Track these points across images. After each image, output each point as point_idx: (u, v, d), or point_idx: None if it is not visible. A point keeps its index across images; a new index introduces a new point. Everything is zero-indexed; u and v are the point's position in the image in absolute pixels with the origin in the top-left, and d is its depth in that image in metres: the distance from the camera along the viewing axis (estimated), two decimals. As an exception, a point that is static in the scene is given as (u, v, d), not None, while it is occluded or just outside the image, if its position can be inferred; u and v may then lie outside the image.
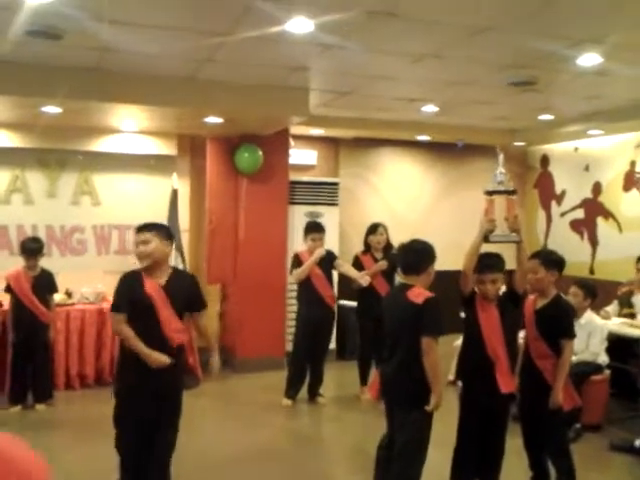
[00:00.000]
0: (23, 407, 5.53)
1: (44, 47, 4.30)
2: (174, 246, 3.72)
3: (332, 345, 6.94)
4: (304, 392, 5.93)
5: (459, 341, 3.90)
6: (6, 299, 5.71)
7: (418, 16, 3.68)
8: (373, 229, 6.07)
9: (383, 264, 5.88)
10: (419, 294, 3.30)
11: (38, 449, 0.82)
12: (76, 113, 5.71)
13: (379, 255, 6.00)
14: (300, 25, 3.78)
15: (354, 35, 4.05)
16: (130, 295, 3.42)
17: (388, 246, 6.03)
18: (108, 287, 6.66)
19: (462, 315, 3.72)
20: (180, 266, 6.66)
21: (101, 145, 6.86)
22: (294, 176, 7.38)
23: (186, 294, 3.52)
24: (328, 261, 5.79)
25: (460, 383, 3.80)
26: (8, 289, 5.56)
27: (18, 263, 5.70)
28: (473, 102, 6.30)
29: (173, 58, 4.67)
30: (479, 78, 5.23)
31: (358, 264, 5.98)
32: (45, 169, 6.81)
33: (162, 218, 6.34)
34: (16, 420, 5.31)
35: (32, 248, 5.52)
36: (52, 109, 5.44)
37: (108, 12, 3.67)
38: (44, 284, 5.57)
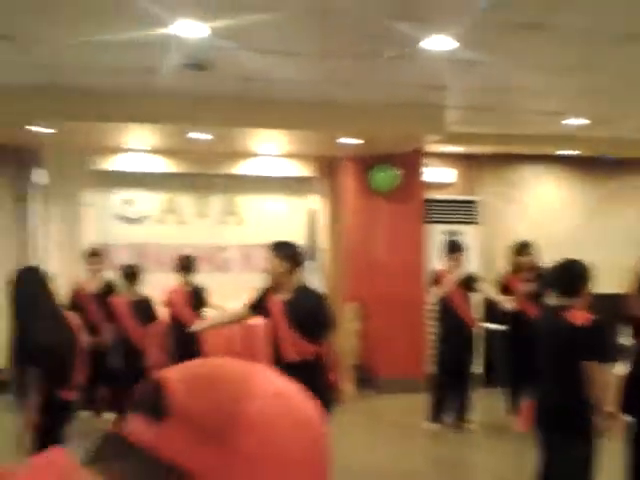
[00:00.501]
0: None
1: (195, 78, 4.62)
2: (302, 264, 3.79)
3: (479, 370, 6.67)
4: (449, 416, 5.73)
5: (617, 369, 3.59)
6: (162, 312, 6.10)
7: (567, 26, 3.49)
8: (521, 249, 5.77)
9: (532, 286, 5.56)
10: (580, 316, 3.08)
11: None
12: (223, 139, 6.07)
13: (527, 276, 5.70)
14: (441, 43, 3.74)
15: (498, 50, 3.94)
16: (261, 302, 3.69)
17: (536, 266, 5.71)
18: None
19: (623, 341, 3.42)
20: (317, 285, 6.81)
21: (244, 168, 7.22)
22: (432, 194, 7.27)
23: (305, 311, 3.58)
24: (469, 282, 5.60)
25: (628, 417, 3.46)
26: (166, 304, 5.92)
27: (171, 279, 6.11)
28: (624, 114, 5.86)
29: (313, 82, 4.81)
30: (631, 88, 4.85)
31: (504, 285, 5.72)
32: (195, 192, 7.27)
33: (301, 237, 6.51)
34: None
35: (187, 265, 5.87)
36: (202, 136, 5.83)
37: (255, 42, 3.87)
38: (197, 299, 5.90)
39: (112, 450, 0.58)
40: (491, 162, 8.00)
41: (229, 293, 7.01)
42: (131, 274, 5.34)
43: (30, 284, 3.44)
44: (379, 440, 5.38)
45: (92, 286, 5.71)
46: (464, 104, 5.57)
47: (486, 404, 6.49)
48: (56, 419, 3.38)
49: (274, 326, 3.58)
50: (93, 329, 5.46)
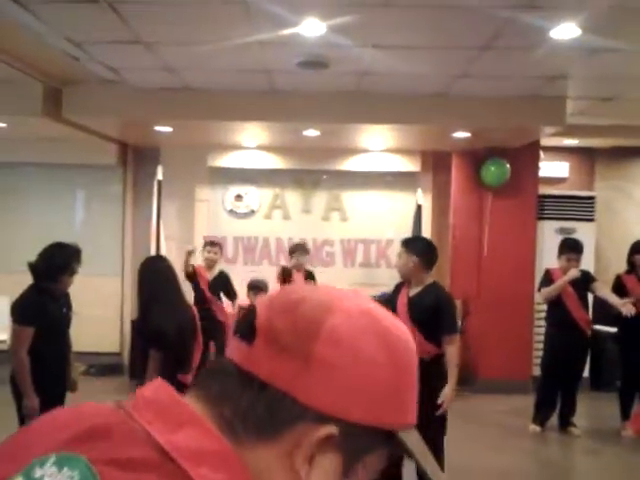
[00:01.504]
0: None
1: (311, 76, 4.70)
2: (433, 261, 3.79)
3: (585, 373, 6.39)
4: (553, 420, 5.55)
5: None
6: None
7: None
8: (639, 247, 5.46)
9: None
10: None
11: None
12: (331, 135, 6.15)
13: (645, 276, 5.39)
14: (566, 31, 3.59)
15: (625, 35, 3.72)
16: (391, 299, 3.80)
17: (656, 267, 5.37)
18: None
19: None
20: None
21: (349, 164, 7.27)
22: (543, 189, 7.01)
23: (429, 310, 3.57)
24: (583, 282, 5.33)
25: None
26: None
27: (274, 272, 6.29)
28: None
29: (427, 76, 4.77)
30: None
31: (620, 285, 5.42)
32: (300, 188, 7.41)
33: (406, 233, 6.47)
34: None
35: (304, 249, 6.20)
36: (312, 132, 5.94)
37: (370, 37, 3.88)
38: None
39: (212, 375, 0.62)
40: (607, 155, 7.59)
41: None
42: (256, 287, 5.70)
43: (155, 272, 3.65)
44: (479, 442, 5.26)
45: (209, 276, 6.00)
46: (583, 95, 5.33)
47: (592, 409, 6.22)
48: None
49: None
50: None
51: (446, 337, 3.61)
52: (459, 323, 7.32)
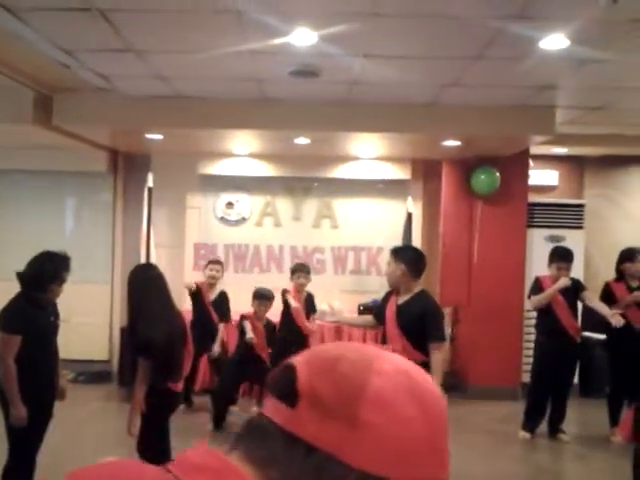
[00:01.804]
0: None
1: (301, 84, 4.72)
2: (421, 269, 3.81)
3: (574, 380, 6.42)
4: (543, 427, 5.57)
5: None
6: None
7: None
8: (629, 255, 5.50)
9: (639, 295, 5.29)
10: None
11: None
12: (322, 143, 6.17)
13: (634, 284, 5.43)
14: (555, 42, 3.63)
15: (614, 46, 3.76)
16: (380, 308, 3.86)
17: (644, 275, 5.42)
18: (344, 305, 7.05)
19: None
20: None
21: (340, 172, 7.29)
22: (533, 197, 7.06)
23: (416, 318, 3.60)
24: (573, 290, 5.37)
25: None
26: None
27: (268, 280, 6.27)
28: None
29: (417, 85, 4.79)
30: None
31: (609, 293, 5.47)
32: (291, 195, 7.42)
33: (396, 241, 6.49)
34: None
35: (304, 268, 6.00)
36: (303, 140, 5.96)
37: (362, 47, 3.91)
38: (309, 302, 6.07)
39: (254, 434, 0.64)
40: (596, 164, 7.67)
41: (323, 295, 7.11)
42: (262, 296, 5.59)
43: (145, 280, 3.64)
44: (470, 449, 5.27)
45: (211, 295, 6.04)
46: (573, 104, 5.38)
47: (581, 415, 6.26)
48: (164, 409, 3.56)
49: (386, 330, 3.63)
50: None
51: (432, 344, 3.60)
52: (448, 331, 7.38)
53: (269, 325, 5.71)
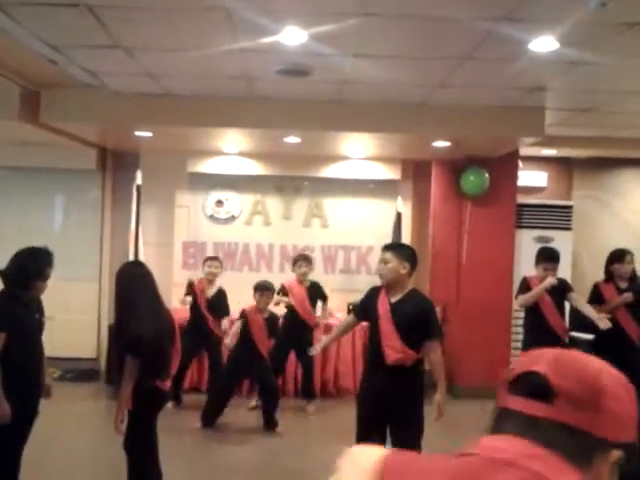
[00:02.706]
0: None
1: (291, 83, 4.71)
2: (416, 267, 3.80)
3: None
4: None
5: None
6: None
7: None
8: (619, 256, 5.51)
9: (628, 296, 5.32)
10: None
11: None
12: (312, 142, 6.16)
13: (623, 285, 5.45)
14: (545, 44, 3.64)
15: (603, 49, 3.79)
16: (366, 305, 3.79)
17: (634, 276, 5.45)
18: (334, 304, 7.05)
19: None
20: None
21: (330, 171, 7.28)
22: (522, 199, 7.09)
23: (412, 316, 3.57)
24: (560, 290, 5.39)
25: None
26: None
27: (258, 278, 6.24)
28: None
29: (407, 86, 4.80)
30: None
31: (598, 294, 5.50)
32: (281, 194, 7.40)
33: (386, 241, 6.47)
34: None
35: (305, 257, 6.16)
36: (293, 139, 5.95)
37: (351, 46, 3.90)
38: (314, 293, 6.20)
39: (522, 424, 0.88)
40: (585, 166, 7.71)
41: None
42: (264, 288, 5.55)
43: (133, 278, 3.61)
44: (462, 446, 5.27)
45: (209, 292, 6.05)
46: (562, 106, 5.40)
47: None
48: (151, 407, 3.54)
49: (379, 327, 3.59)
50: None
51: (433, 343, 3.62)
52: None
53: (271, 318, 5.64)
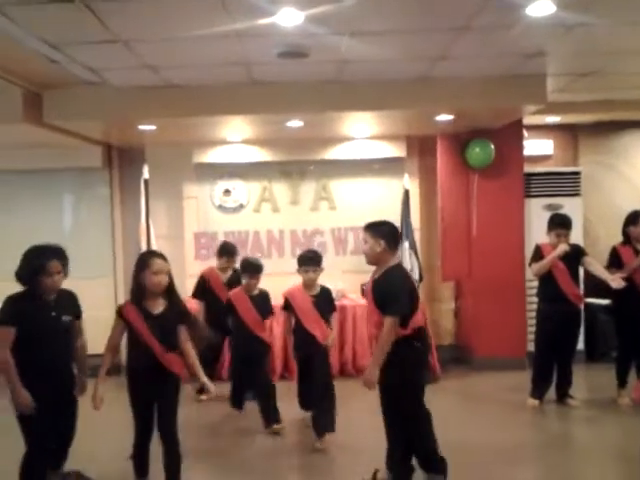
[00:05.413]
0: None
1: (290, 66, 4.71)
2: (402, 244, 3.81)
3: (580, 345, 6.48)
4: (551, 394, 5.62)
5: None
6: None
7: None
8: (633, 218, 5.48)
9: (643, 258, 5.31)
10: None
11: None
12: (315, 125, 6.16)
13: (639, 247, 5.45)
14: (541, 8, 3.62)
15: (600, 10, 3.75)
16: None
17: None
18: (347, 285, 7.09)
19: None
20: (414, 264, 6.81)
21: (335, 153, 7.27)
22: (529, 168, 7.06)
23: (382, 291, 3.60)
24: (574, 256, 5.39)
25: None
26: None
27: (271, 265, 6.29)
28: None
29: (407, 60, 4.78)
30: None
31: (616, 257, 5.49)
32: (288, 179, 7.42)
33: (395, 219, 6.49)
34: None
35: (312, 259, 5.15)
36: (295, 123, 5.95)
37: (348, 25, 3.89)
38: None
39: None
40: (590, 131, 7.66)
41: (325, 277, 7.12)
42: (253, 268, 5.12)
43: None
44: (480, 419, 5.33)
45: (224, 276, 6.10)
46: (564, 71, 5.36)
47: (588, 380, 6.35)
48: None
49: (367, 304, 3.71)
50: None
51: (385, 318, 3.50)
52: (452, 305, 7.43)
53: (261, 295, 5.16)
